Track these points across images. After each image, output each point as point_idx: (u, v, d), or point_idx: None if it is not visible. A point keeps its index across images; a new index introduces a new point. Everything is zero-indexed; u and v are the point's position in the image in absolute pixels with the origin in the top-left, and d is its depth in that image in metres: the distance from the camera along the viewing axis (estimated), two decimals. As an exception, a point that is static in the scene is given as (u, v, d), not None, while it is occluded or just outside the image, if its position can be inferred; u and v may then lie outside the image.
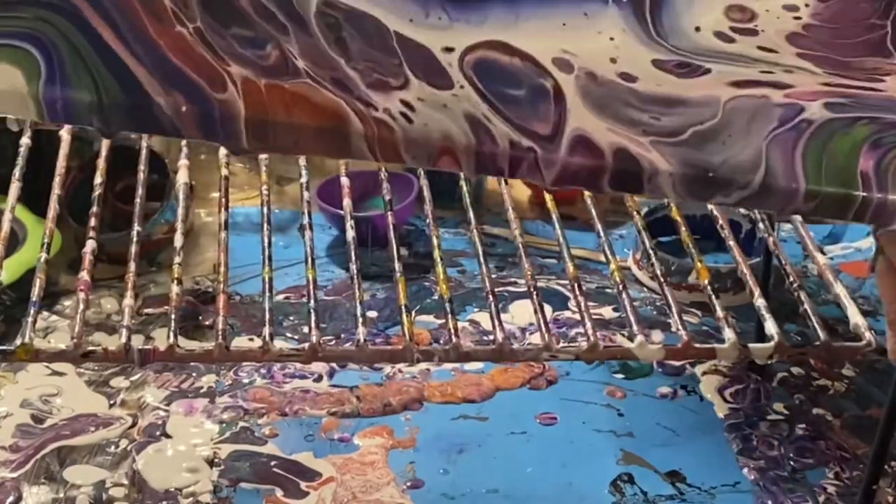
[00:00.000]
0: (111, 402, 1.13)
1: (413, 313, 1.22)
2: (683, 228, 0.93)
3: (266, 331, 0.80)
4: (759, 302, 0.84)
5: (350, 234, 0.90)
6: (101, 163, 0.94)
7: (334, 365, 1.17)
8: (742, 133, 0.63)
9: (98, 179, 0.92)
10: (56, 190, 0.90)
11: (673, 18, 0.67)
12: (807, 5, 0.67)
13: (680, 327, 0.82)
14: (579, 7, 0.66)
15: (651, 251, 0.91)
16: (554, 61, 0.64)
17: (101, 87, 0.63)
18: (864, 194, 0.62)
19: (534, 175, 0.63)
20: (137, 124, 0.64)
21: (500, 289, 1.28)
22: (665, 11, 0.67)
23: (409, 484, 1.05)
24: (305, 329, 1.01)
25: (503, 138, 0.62)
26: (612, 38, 0.66)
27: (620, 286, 0.85)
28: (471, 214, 0.93)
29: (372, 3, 0.65)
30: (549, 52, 0.65)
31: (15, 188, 0.90)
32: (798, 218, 0.94)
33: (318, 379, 1.16)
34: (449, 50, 0.64)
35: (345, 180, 0.96)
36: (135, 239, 0.87)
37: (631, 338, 0.81)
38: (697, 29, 0.67)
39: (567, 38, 0.65)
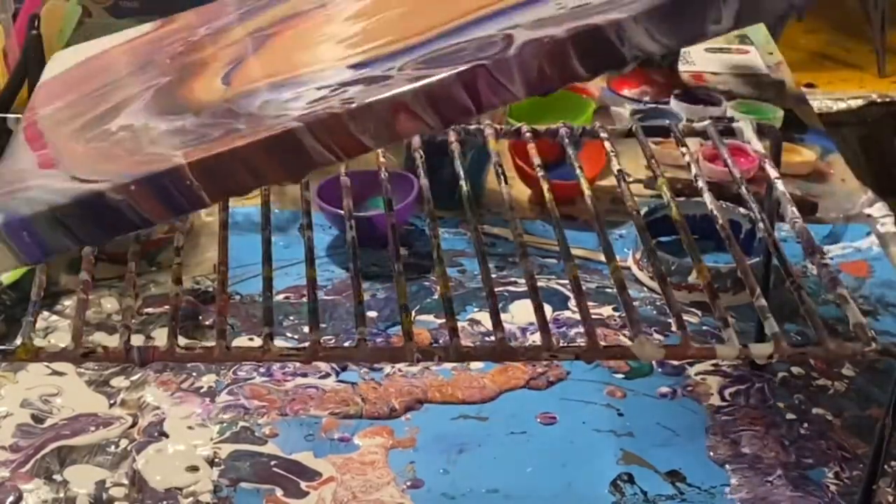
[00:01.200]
0: (111, 401, 1.13)
1: (413, 313, 1.22)
2: (683, 228, 0.93)
3: (266, 331, 0.80)
4: (759, 302, 0.84)
5: (350, 234, 0.90)
6: (101, 163, 0.94)
7: (334, 365, 1.17)
8: None
9: (98, 179, 0.92)
10: (56, 190, 0.90)
11: None
12: None
13: (680, 327, 0.82)
14: None
15: (651, 251, 0.91)
16: None
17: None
18: None
19: (499, 92, 0.60)
20: (102, 224, 0.64)
21: (500, 289, 1.28)
22: None
23: (409, 484, 1.05)
24: (305, 329, 1.01)
25: (448, 74, 0.59)
26: None
27: (620, 286, 0.85)
28: (471, 214, 0.93)
29: None
30: None
31: (15, 188, 0.90)
32: (798, 218, 0.94)
33: (325, 376, 1.16)
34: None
35: (345, 180, 0.96)
36: (135, 239, 0.87)
37: (631, 338, 0.81)
38: None
39: None
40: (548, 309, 1.25)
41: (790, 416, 1.14)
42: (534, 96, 0.63)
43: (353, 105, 0.60)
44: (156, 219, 0.65)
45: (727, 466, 1.08)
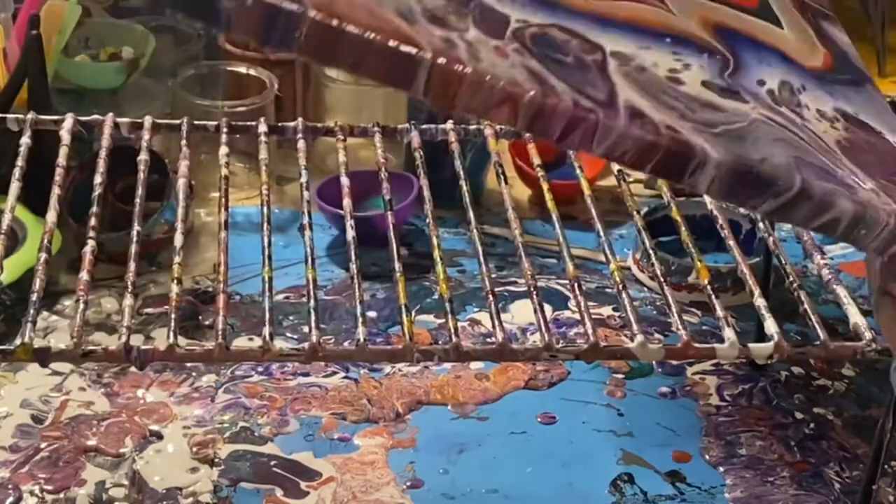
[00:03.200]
0: (111, 401, 1.13)
1: (413, 313, 1.22)
2: (683, 228, 0.93)
3: (266, 331, 0.80)
4: (759, 302, 0.84)
5: (350, 234, 0.90)
6: (101, 163, 0.94)
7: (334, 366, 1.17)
8: (769, 143, 0.62)
9: (98, 179, 0.92)
10: (56, 190, 0.90)
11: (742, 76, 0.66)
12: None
13: (680, 327, 0.82)
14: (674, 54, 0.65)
15: (651, 251, 0.91)
16: (612, 52, 0.63)
17: None
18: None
19: (585, 142, 0.60)
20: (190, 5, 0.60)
21: (500, 289, 1.28)
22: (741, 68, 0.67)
23: (409, 484, 1.05)
24: (305, 329, 1.00)
25: (566, 94, 0.59)
26: (685, 64, 0.65)
27: (620, 286, 0.85)
28: (471, 214, 0.93)
29: None
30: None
31: (15, 188, 0.90)
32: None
33: (328, 375, 1.16)
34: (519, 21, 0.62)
35: (345, 180, 0.96)
36: (135, 239, 0.87)
37: (631, 338, 0.81)
38: (761, 83, 0.66)
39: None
40: (548, 309, 1.25)
41: (790, 416, 1.14)
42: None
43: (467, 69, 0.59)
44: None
45: (727, 466, 1.08)
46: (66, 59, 1.40)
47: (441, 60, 0.58)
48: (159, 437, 1.08)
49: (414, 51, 0.58)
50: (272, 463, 1.06)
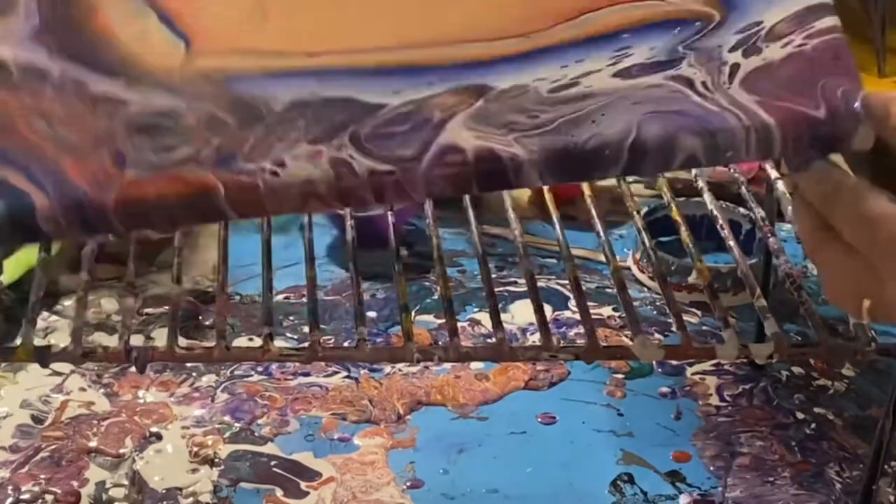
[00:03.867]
0: (111, 401, 1.13)
1: (413, 313, 1.22)
2: (683, 228, 0.93)
3: (266, 331, 0.80)
4: (759, 302, 0.84)
5: (350, 234, 0.89)
6: (101, 163, 0.94)
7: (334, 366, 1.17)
8: (621, 112, 0.62)
9: (98, 179, 0.92)
10: (56, 190, 0.90)
11: None
12: None
13: (680, 327, 0.82)
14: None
15: (651, 251, 0.91)
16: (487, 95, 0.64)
17: None
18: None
19: (402, 196, 0.63)
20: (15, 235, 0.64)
21: (500, 289, 1.28)
22: None
23: (409, 484, 1.05)
24: (305, 329, 1.01)
25: (361, 168, 0.62)
26: (615, 58, 0.65)
27: (620, 286, 0.85)
28: (471, 214, 0.93)
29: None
30: None
31: (15, 188, 0.90)
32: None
33: (329, 375, 1.16)
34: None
35: (345, 180, 0.96)
36: (135, 239, 0.87)
37: (631, 338, 0.81)
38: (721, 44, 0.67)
39: None
40: (548, 309, 1.25)
41: (790, 416, 1.14)
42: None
43: None
44: None
45: (727, 466, 1.08)
46: (66, 59, 1.40)
47: (235, 194, 0.61)
48: (159, 437, 1.08)
49: (208, 188, 0.62)
50: (272, 463, 1.06)
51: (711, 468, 1.08)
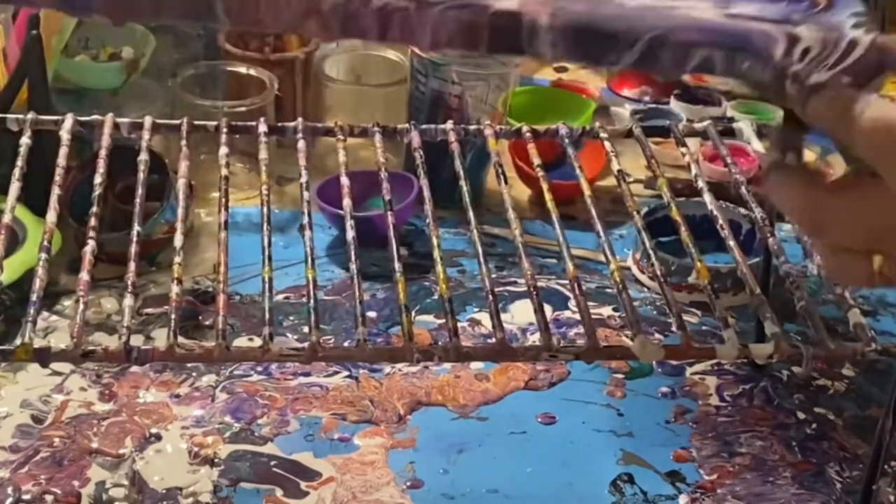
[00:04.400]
0: (111, 402, 1.13)
1: (413, 313, 1.22)
2: (683, 228, 0.93)
3: (266, 331, 0.80)
4: (759, 302, 0.84)
5: (350, 234, 0.90)
6: (101, 163, 0.94)
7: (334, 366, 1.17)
8: (661, 15, 0.61)
9: (98, 179, 0.92)
10: (56, 190, 0.90)
11: None
12: None
13: (680, 327, 0.82)
14: None
15: (651, 251, 0.91)
16: None
17: None
18: None
19: (405, 35, 0.61)
20: None
21: (500, 289, 1.28)
22: None
23: (409, 484, 1.05)
24: (305, 329, 1.01)
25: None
26: None
27: (620, 286, 0.85)
28: (471, 214, 0.93)
29: None
30: None
31: (15, 188, 0.90)
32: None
33: (329, 375, 1.16)
34: None
35: (345, 180, 0.96)
36: (135, 239, 0.87)
37: (631, 338, 0.81)
38: None
39: None
40: (548, 309, 1.25)
41: (790, 416, 1.14)
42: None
43: None
44: None
45: (728, 466, 1.08)
46: (66, 59, 1.40)
47: None
48: (159, 437, 1.08)
49: None
50: (272, 463, 1.06)
51: (712, 468, 1.08)
